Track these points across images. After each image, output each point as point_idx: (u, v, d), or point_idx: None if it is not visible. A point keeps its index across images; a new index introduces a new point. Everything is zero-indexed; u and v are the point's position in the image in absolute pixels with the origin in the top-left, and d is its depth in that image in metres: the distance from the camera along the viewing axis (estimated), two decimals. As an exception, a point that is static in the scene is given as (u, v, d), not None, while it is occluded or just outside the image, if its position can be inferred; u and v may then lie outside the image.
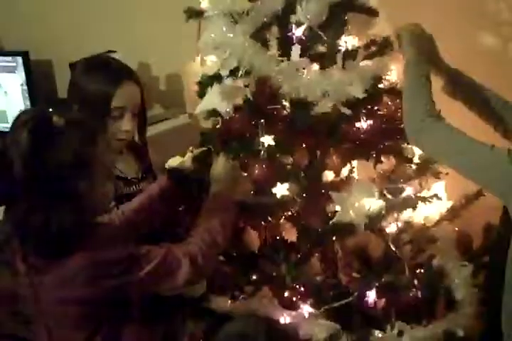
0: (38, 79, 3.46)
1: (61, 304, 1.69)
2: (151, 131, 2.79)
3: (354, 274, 2.27)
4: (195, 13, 2.13)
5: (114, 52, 3.05)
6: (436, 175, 2.24)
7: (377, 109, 2.14)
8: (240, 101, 2.08)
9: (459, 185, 2.14)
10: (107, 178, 1.73)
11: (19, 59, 3.42)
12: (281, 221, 2.14)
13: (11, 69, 3.48)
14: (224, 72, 2.00)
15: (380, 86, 2.11)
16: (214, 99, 2.07)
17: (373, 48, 2.12)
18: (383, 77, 2.09)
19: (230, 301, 2.20)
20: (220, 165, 2.04)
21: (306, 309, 2.08)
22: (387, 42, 2.10)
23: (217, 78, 2.06)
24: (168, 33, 3.13)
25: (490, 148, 1.68)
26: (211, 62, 2.14)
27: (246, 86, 2.04)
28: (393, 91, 2.13)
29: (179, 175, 2.10)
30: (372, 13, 2.10)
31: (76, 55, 2.64)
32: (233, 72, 2.02)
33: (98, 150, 1.68)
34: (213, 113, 2.12)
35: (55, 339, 1.79)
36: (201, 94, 2.12)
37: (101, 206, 1.76)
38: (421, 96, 1.84)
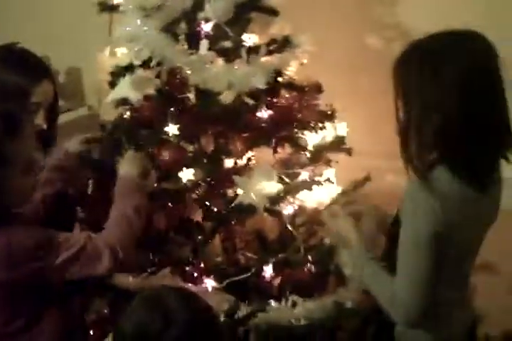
0: None
1: None
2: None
3: (250, 255, 2.47)
4: (108, 7, 2.29)
5: (17, 43, 3.15)
6: (328, 163, 2.47)
7: (276, 101, 2.35)
8: (150, 91, 2.24)
9: (347, 173, 2.40)
10: (26, 173, 1.78)
11: None
12: (188, 203, 2.30)
13: None
14: (137, 63, 2.16)
15: (279, 79, 2.31)
16: (125, 88, 2.24)
17: (274, 46, 2.32)
18: (283, 71, 2.30)
19: (131, 277, 2.32)
20: (128, 157, 2.15)
21: (209, 283, 2.25)
22: (286, 40, 2.32)
23: (129, 69, 2.22)
24: (69, 26, 3.27)
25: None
26: (122, 54, 2.29)
27: (157, 77, 2.22)
28: (290, 86, 2.35)
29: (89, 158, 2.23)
30: (273, 13, 2.31)
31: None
32: (145, 64, 2.19)
33: (19, 144, 1.76)
34: (124, 102, 2.27)
35: None
36: (113, 84, 2.27)
37: (17, 199, 1.80)
38: (383, 284, 1.85)
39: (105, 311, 2.42)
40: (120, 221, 1.91)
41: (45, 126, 2.26)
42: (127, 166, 2.09)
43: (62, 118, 3.11)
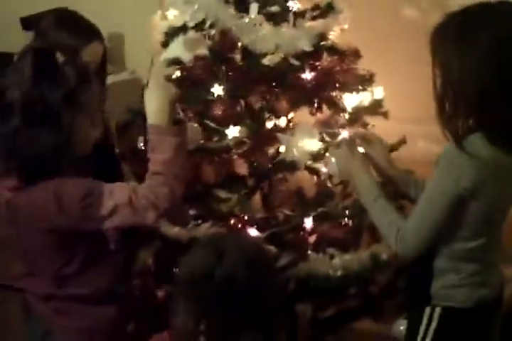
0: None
1: (37, 233, 1.89)
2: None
3: (288, 212, 2.63)
4: (161, -28, 2.45)
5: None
6: (365, 126, 2.62)
7: (318, 64, 2.51)
8: (201, 51, 2.40)
9: (384, 135, 2.56)
10: (92, 124, 1.91)
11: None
12: (235, 157, 2.47)
13: None
14: (191, 24, 2.32)
15: (322, 43, 2.47)
16: (178, 48, 2.40)
17: (318, 11, 2.48)
18: (326, 36, 2.46)
19: (177, 228, 2.46)
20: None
21: (252, 232, 2.42)
22: (329, 6, 2.47)
23: (182, 29, 2.38)
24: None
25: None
26: (174, 16, 2.45)
27: (208, 38, 2.38)
28: (332, 50, 2.50)
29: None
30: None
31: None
32: (198, 25, 2.35)
33: (91, 94, 1.89)
34: (175, 61, 2.43)
35: (29, 264, 1.99)
36: (165, 44, 2.44)
37: (80, 149, 1.91)
38: (384, 216, 1.98)
39: (149, 261, 2.57)
40: (162, 170, 1.92)
41: None
42: (155, 111, 1.95)
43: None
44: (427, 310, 2.04)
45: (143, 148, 2.49)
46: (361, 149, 2.14)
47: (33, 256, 1.96)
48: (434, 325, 2.03)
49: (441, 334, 2.04)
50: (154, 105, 1.91)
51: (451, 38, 1.84)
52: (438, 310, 2.02)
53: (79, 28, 2.43)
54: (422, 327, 2.05)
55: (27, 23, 3.14)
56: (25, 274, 2.03)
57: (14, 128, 1.80)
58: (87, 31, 2.43)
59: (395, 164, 2.22)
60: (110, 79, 3.26)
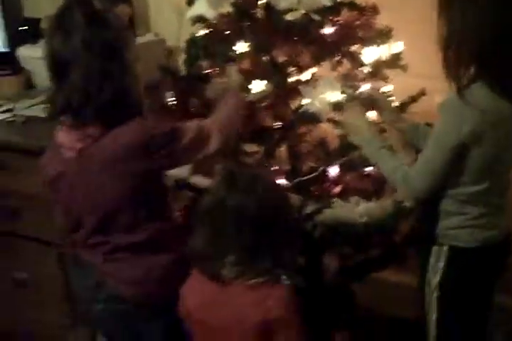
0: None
1: (115, 178, 2.08)
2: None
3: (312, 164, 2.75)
4: None
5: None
6: (385, 79, 2.72)
7: (338, 19, 2.61)
8: (224, 9, 2.52)
9: (403, 89, 2.66)
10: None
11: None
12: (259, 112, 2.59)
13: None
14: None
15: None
16: (203, 6, 2.52)
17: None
18: (346, -10, 2.56)
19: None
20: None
21: (281, 181, 2.56)
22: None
23: (206, -13, 2.50)
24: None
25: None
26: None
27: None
28: (351, 5, 2.60)
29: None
30: None
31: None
32: (221, -17, 2.46)
33: (131, 55, 2.10)
34: (200, 19, 2.55)
35: (102, 220, 2.15)
36: (190, 2, 2.55)
37: (137, 94, 2.15)
38: (389, 163, 2.23)
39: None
40: (225, 114, 2.31)
41: None
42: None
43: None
44: (435, 248, 2.23)
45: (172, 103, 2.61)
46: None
47: (103, 206, 2.11)
48: (441, 263, 2.22)
49: (448, 272, 2.22)
50: None
51: None
52: (445, 248, 2.20)
53: None
54: (431, 265, 2.24)
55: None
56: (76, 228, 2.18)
57: (81, 79, 1.98)
58: None
59: (403, 118, 2.45)
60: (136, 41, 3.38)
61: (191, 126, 2.17)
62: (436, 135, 2.10)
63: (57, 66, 2.05)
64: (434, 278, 2.23)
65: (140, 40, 3.46)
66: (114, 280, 2.19)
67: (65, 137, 2.12)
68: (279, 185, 2.25)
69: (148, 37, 3.55)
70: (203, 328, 2.12)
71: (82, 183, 2.10)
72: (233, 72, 2.47)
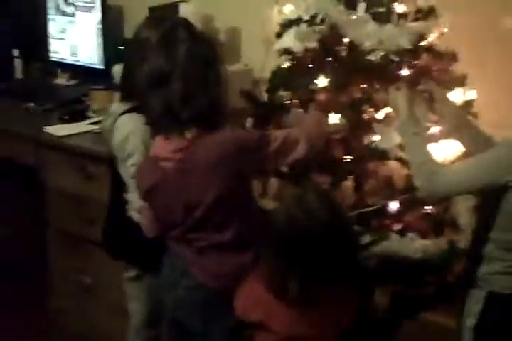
0: (110, 21, 4.09)
1: (215, 179, 2.31)
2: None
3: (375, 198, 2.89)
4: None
5: (185, 1, 3.69)
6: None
7: (416, 63, 2.77)
8: (311, 43, 2.71)
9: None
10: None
11: (98, 1, 4.04)
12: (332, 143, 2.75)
13: (88, 10, 4.10)
14: (305, 18, 2.63)
15: (422, 44, 2.73)
16: (290, 39, 2.71)
17: (419, 14, 2.75)
18: (425, 37, 2.72)
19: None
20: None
21: (343, 212, 2.70)
22: (431, 10, 2.74)
23: (295, 22, 2.70)
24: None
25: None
26: (289, 11, 2.77)
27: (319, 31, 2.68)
28: (430, 50, 2.75)
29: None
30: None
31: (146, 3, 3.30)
32: (310, 19, 2.65)
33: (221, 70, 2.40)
34: (287, 51, 2.75)
35: (199, 220, 2.37)
36: (279, 35, 2.75)
37: (226, 103, 2.41)
38: (419, 154, 2.34)
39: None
40: (311, 125, 2.57)
41: None
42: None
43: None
44: (473, 291, 2.32)
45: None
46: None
47: (201, 207, 2.34)
48: (479, 306, 2.28)
49: (485, 316, 2.28)
50: None
51: None
52: (483, 293, 2.28)
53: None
54: (467, 308, 2.33)
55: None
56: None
57: (181, 90, 2.28)
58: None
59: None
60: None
61: (279, 133, 2.41)
62: (489, 158, 2.17)
63: (160, 77, 2.31)
64: (471, 321, 2.29)
65: (230, 68, 3.67)
66: (200, 272, 2.44)
67: (161, 149, 2.38)
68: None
69: (237, 66, 3.74)
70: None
71: (181, 190, 2.35)
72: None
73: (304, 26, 2.68)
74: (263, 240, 2.32)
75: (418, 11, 2.71)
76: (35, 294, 3.98)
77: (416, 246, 2.69)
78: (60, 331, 3.74)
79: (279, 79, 2.78)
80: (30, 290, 4.10)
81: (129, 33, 3.91)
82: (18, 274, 4.19)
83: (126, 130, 2.68)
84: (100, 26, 4.04)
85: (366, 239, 2.66)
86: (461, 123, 2.57)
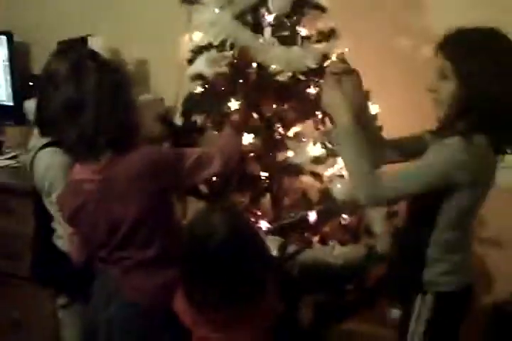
0: (17, 57, 4.16)
1: (132, 200, 2.44)
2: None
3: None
4: (187, 0, 2.93)
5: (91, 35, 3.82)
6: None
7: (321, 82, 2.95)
8: (221, 68, 2.86)
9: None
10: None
11: (3, 38, 4.10)
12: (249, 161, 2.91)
13: (-6, 48, 4.11)
14: (214, 43, 2.78)
15: (325, 64, 2.92)
16: (202, 65, 2.86)
17: (320, 36, 2.94)
18: (328, 56, 2.91)
19: None
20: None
21: (263, 225, 2.86)
22: (331, 32, 2.93)
23: (206, 48, 2.85)
24: (138, 24, 3.93)
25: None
26: (199, 37, 2.92)
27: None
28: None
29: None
30: (322, 9, 2.92)
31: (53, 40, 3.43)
32: (220, 45, 2.81)
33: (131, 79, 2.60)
34: (199, 77, 2.89)
35: (121, 239, 2.49)
36: (190, 61, 2.90)
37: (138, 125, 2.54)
38: (359, 163, 2.24)
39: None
40: (225, 143, 2.69)
41: None
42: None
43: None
44: (419, 296, 2.40)
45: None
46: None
47: (124, 226, 2.47)
48: (425, 309, 2.39)
49: (433, 319, 2.39)
50: None
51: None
52: (429, 295, 2.39)
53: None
54: (415, 314, 2.41)
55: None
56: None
57: (93, 117, 2.41)
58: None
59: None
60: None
61: (195, 150, 2.58)
62: (430, 163, 2.21)
63: (72, 106, 2.44)
64: (418, 328, 2.38)
65: (140, 98, 3.79)
66: (129, 291, 2.53)
67: (80, 173, 2.49)
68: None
69: (147, 97, 3.87)
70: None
71: (104, 209, 2.47)
72: None
73: (213, 52, 2.81)
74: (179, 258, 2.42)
75: (320, 33, 2.88)
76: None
77: (337, 253, 2.85)
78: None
79: (192, 103, 2.90)
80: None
81: (37, 69, 4.00)
82: None
83: (44, 164, 2.77)
84: (7, 63, 4.09)
85: (291, 249, 2.78)
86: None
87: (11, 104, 4.17)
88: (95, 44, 3.65)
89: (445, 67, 2.20)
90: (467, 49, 2.20)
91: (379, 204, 2.47)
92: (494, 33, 2.21)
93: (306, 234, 2.89)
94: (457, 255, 2.36)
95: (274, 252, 2.77)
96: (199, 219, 2.37)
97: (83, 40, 3.70)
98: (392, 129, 2.86)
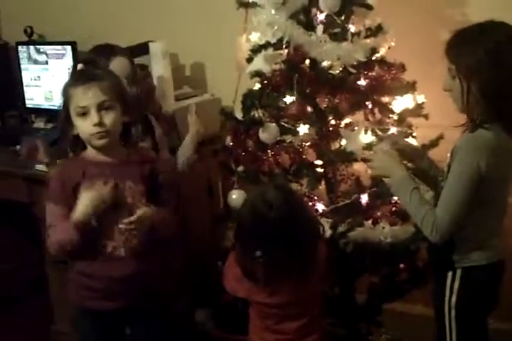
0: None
1: None
2: (181, 104, 3.91)
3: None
4: (244, 4, 3.23)
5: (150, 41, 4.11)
6: (410, 127, 3.31)
7: (371, 74, 3.22)
8: (277, 64, 3.15)
9: (425, 135, 3.24)
10: None
11: (68, 48, 4.43)
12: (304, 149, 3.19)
13: (60, 56, 4.47)
14: (272, 41, 3.07)
15: (374, 57, 3.19)
16: (260, 62, 3.15)
17: (370, 32, 3.20)
18: (377, 51, 3.18)
19: None
20: None
21: (319, 207, 3.14)
22: (379, 28, 3.19)
23: (264, 47, 3.14)
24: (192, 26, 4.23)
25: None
26: (257, 37, 3.20)
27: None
28: (382, 62, 3.19)
29: None
30: (369, 7, 3.20)
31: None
32: (277, 43, 3.10)
33: None
34: (258, 74, 3.18)
35: None
36: (250, 60, 3.19)
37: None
38: (419, 208, 2.47)
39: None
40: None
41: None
42: None
43: (189, 102, 4.03)
44: (449, 273, 2.56)
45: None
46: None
47: None
48: (457, 284, 2.54)
49: (463, 291, 2.58)
50: None
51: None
52: (459, 271, 2.58)
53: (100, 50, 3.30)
54: (447, 288, 2.55)
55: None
56: None
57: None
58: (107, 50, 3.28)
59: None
60: (194, 100, 4.01)
61: (51, 221, 2.73)
62: (456, 174, 2.39)
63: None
64: (452, 298, 2.53)
65: (198, 99, 4.09)
66: None
67: None
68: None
69: (204, 97, 4.16)
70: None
71: None
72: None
73: (270, 50, 3.10)
74: (236, 230, 2.68)
75: (368, 29, 3.14)
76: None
77: (386, 231, 3.09)
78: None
79: (252, 99, 3.18)
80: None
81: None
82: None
83: None
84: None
85: (342, 228, 3.05)
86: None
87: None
88: (156, 49, 3.89)
89: (452, 69, 2.42)
90: (463, 47, 2.39)
91: (445, 238, 2.48)
92: (491, 25, 2.38)
93: (358, 218, 3.10)
94: (483, 233, 2.51)
95: (327, 232, 3.00)
96: (257, 195, 2.61)
97: (145, 46, 3.97)
98: (436, 118, 3.16)
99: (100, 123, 2.55)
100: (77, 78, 2.63)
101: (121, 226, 2.58)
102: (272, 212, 2.52)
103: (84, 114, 2.57)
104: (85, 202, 2.55)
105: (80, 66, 2.79)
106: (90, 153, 2.67)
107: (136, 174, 2.66)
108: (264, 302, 2.57)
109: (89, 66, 2.82)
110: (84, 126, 2.58)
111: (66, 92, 2.61)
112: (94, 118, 2.55)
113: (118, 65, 3.22)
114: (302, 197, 2.89)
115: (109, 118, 2.58)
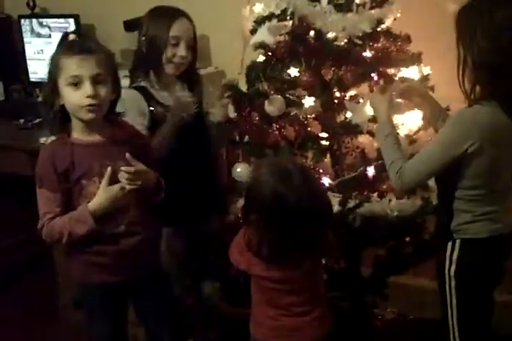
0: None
1: None
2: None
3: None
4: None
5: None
6: (416, 98, 3.27)
7: (376, 45, 3.17)
8: (281, 36, 3.11)
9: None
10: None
11: (71, 21, 4.41)
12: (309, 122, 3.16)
13: (63, 30, 4.37)
14: (277, 12, 3.04)
15: (380, 28, 3.15)
16: (264, 34, 3.12)
17: (375, 2, 3.16)
18: (382, 22, 3.15)
19: None
20: None
21: (326, 181, 3.11)
22: (384, -2, 3.16)
23: (268, 18, 3.10)
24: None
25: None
26: (261, 9, 3.17)
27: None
28: (387, 33, 3.15)
29: None
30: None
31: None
32: (281, 14, 3.06)
33: None
34: (262, 45, 3.15)
35: None
36: (254, 31, 3.15)
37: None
38: (390, 154, 2.59)
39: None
40: None
41: (185, 57, 3.21)
42: None
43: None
44: (449, 243, 2.63)
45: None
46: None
47: None
48: (455, 254, 2.57)
49: (462, 261, 2.60)
50: None
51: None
52: (458, 242, 2.61)
53: (167, 11, 3.26)
54: (447, 258, 2.58)
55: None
56: None
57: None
58: (173, 12, 3.26)
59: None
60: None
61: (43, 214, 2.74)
62: (441, 140, 2.46)
63: None
64: (451, 268, 2.55)
65: (203, 71, 4.05)
66: None
67: None
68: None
69: (209, 69, 4.15)
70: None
71: None
72: None
73: (274, 21, 3.07)
74: (248, 205, 2.62)
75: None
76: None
77: (393, 204, 3.07)
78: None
79: (256, 71, 3.15)
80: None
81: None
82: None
83: None
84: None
85: (351, 204, 3.02)
86: (437, 110, 2.83)
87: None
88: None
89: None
90: (461, 23, 2.47)
91: (405, 189, 2.68)
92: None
93: (365, 192, 3.08)
94: (483, 207, 2.52)
95: (336, 207, 2.97)
96: (277, 175, 2.54)
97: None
98: (443, 89, 3.09)
99: (94, 95, 2.49)
100: (70, 48, 2.55)
101: (120, 176, 2.59)
102: (293, 192, 2.45)
103: (76, 84, 2.49)
104: (104, 195, 2.61)
105: (72, 36, 2.71)
106: (76, 133, 2.64)
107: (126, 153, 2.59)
108: (262, 276, 2.55)
109: (82, 37, 2.75)
110: (76, 97, 2.51)
111: (56, 61, 2.54)
112: (88, 89, 2.48)
113: (182, 27, 3.21)
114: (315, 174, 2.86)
115: (102, 91, 2.52)
